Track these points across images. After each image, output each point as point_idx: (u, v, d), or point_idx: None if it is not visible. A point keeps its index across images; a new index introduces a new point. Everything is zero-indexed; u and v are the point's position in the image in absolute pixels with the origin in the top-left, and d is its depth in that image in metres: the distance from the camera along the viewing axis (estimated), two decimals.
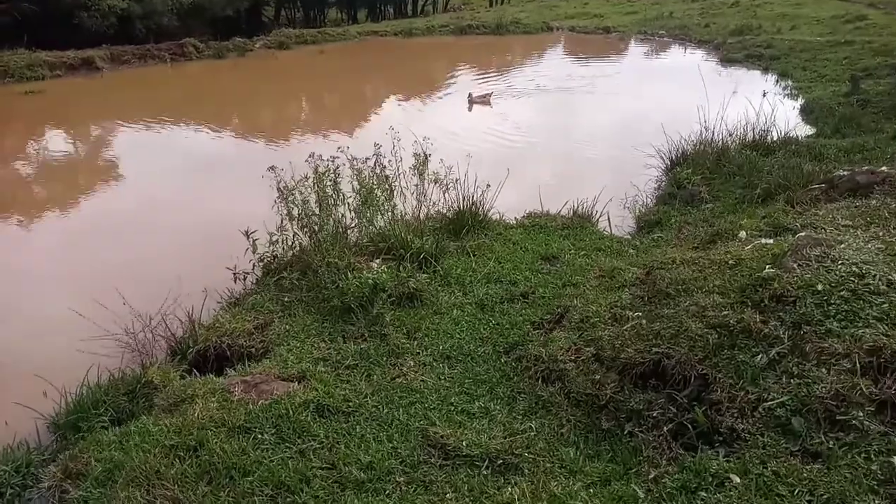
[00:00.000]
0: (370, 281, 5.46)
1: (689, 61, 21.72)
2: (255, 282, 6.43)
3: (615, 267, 5.53)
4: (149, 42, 21.61)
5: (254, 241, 6.23)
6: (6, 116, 14.55)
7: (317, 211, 6.58)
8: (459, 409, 4.26)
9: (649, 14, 30.10)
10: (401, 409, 4.28)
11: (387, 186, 7.50)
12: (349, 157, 7.20)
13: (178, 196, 9.87)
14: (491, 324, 5.37)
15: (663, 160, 9.93)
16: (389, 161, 7.61)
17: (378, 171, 7.42)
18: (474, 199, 7.65)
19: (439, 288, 6.01)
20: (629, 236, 8.00)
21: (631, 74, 20.20)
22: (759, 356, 3.55)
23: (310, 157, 6.65)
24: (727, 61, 20.68)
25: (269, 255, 6.44)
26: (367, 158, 7.21)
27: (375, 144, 7.54)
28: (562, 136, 12.95)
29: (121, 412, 4.75)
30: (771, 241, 4.77)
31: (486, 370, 4.69)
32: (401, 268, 5.89)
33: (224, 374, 4.97)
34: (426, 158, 7.75)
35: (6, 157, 11.91)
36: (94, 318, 5.66)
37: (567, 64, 21.75)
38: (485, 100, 15.25)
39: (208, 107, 15.23)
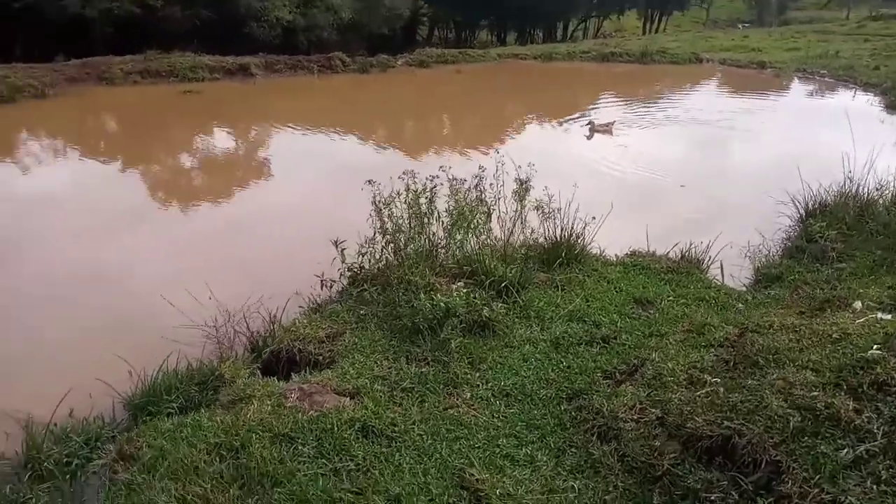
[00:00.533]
0: (442, 304, 5.34)
1: (845, 104, 19.87)
2: (340, 290, 6.52)
3: (706, 323, 5.02)
4: (310, 53, 22.96)
5: (342, 250, 6.31)
6: (167, 112, 16.05)
7: (406, 228, 6.56)
8: (504, 452, 4.02)
9: (813, 51, 27.85)
10: (444, 443, 4.11)
11: (484, 209, 7.40)
12: (449, 177, 7.17)
13: (304, 199, 10.28)
14: (561, 365, 5.06)
15: (798, 209, 9.04)
16: (492, 185, 7.51)
17: (477, 193, 7.35)
18: (573, 230, 7.34)
19: (517, 320, 5.78)
20: (743, 288, 7.33)
21: (783, 113, 18.75)
22: (845, 450, 3.04)
23: (404, 174, 6.66)
24: (893, 108, 18.66)
25: (356, 266, 6.50)
26: (464, 180, 7.13)
27: (480, 167, 7.48)
28: (686, 173, 12.18)
29: (190, 401, 4.94)
30: (889, 316, 4.12)
31: (543, 415, 4.40)
32: (477, 294, 5.71)
33: (289, 379, 5.05)
34: (528, 185, 7.57)
35: (157, 149, 13.08)
36: (187, 308, 6.01)
37: (714, 98, 20.59)
38: (607, 129, 14.63)
39: (346, 116, 15.91)
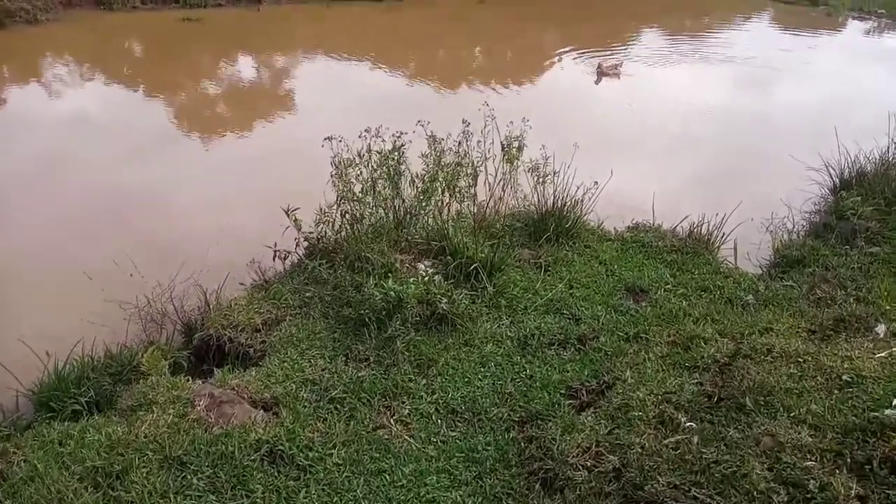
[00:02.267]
0: (393, 293, 4.61)
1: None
2: (296, 263, 5.82)
3: (696, 335, 4.21)
4: None
5: (295, 218, 5.57)
6: (159, 41, 15.18)
7: (366, 194, 5.78)
8: (430, 497, 3.36)
9: None
10: (363, 478, 3.47)
11: (470, 171, 6.57)
12: (428, 134, 6.31)
13: (297, 141, 9.46)
14: (523, 374, 4.34)
15: (831, 178, 7.98)
16: (479, 142, 6.65)
17: (461, 152, 6.50)
18: (567, 199, 6.48)
19: (484, 310, 5.04)
20: (759, 270, 6.45)
21: (829, 57, 17.10)
22: None
23: (365, 132, 5.81)
24: None
25: (314, 236, 5.76)
26: (445, 136, 6.26)
27: (464, 121, 6.59)
28: (713, 127, 11.01)
29: (102, 395, 4.38)
30: None
31: (487, 444, 3.71)
32: (436, 280, 4.96)
33: (214, 373, 4.44)
34: (521, 142, 6.68)
35: (149, 81, 12.31)
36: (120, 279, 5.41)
37: (758, 35, 18.88)
38: (615, 71, 13.26)
39: (348, 47, 14.87)
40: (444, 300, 4.74)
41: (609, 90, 12.82)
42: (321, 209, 5.64)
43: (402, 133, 5.95)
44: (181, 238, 6.67)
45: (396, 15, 19.02)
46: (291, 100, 11.91)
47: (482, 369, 4.39)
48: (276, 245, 5.68)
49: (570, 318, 5.02)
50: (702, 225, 6.51)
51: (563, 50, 15.36)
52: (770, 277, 6.07)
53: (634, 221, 6.96)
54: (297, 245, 5.74)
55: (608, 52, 15.13)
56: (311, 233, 5.70)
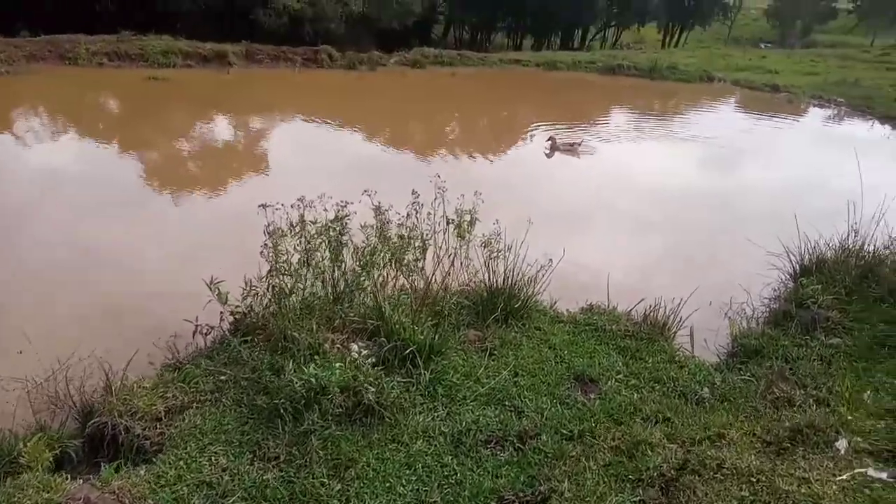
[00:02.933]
0: (313, 380, 4.14)
1: (858, 137, 18.57)
2: (218, 340, 5.33)
3: (642, 441, 3.80)
4: (317, 45, 21.96)
5: (219, 291, 5.11)
6: (117, 99, 14.92)
7: (298, 267, 5.37)
8: None
9: (831, 77, 26.51)
10: None
11: (419, 244, 6.23)
12: (373, 205, 5.99)
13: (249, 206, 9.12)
14: (451, 480, 3.85)
15: (791, 263, 7.80)
16: (430, 214, 6.35)
17: (410, 224, 6.18)
18: (518, 277, 6.14)
19: (419, 399, 4.58)
20: (717, 358, 6.12)
21: (788, 143, 17.48)
22: None
23: (299, 200, 5.46)
24: None
25: (241, 310, 5.30)
26: (387, 208, 5.95)
27: (413, 192, 6.30)
28: (667, 206, 10.90)
29: None
30: (884, 475, 2.91)
31: None
32: (365, 367, 4.50)
33: (105, 468, 3.88)
34: (473, 216, 6.41)
35: (83, 139, 11.94)
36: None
37: (718, 120, 19.30)
38: (572, 149, 12.96)
39: (319, 109, 14.75)
40: (372, 389, 4.28)
41: (571, 167, 12.75)
42: (249, 282, 5.20)
43: (346, 203, 5.62)
44: (104, 305, 6.16)
45: (368, 83, 19.14)
46: (257, 162, 11.59)
47: (408, 472, 3.90)
48: (197, 319, 5.22)
49: (512, 411, 4.58)
50: (658, 309, 6.20)
51: (535, 124, 15.45)
52: (727, 368, 5.73)
53: (589, 303, 6.64)
54: (222, 320, 5.27)
55: (577, 129, 15.27)
56: (237, 307, 5.25)
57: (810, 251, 7.67)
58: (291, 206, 5.35)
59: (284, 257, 5.35)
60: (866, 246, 7.54)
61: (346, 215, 5.56)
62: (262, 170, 11.03)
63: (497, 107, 18.06)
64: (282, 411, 4.12)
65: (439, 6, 43.64)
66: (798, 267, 7.72)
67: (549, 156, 13.02)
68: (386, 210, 5.91)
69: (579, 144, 13.20)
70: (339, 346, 4.96)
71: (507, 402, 4.67)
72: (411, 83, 19.79)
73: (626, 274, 7.61)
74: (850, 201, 7.71)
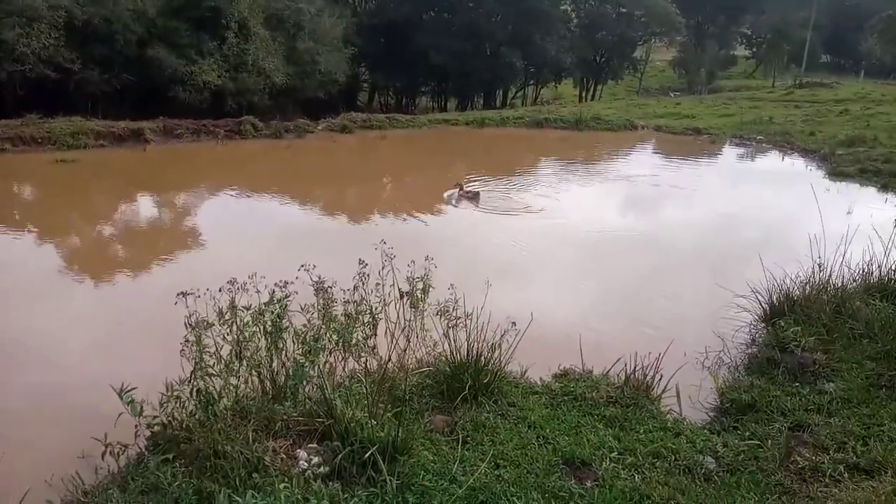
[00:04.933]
0: None
1: (790, 171, 19.18)
2: (135, 458, 4.38)
3: None
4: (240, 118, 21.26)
5: (131, 400, 4.20)
6: (30, 184, 13.71)
7: (234, 360, 4.55)
8: None
9: (746, 117, 27.65)
10: None
11: (368, 319, 5.52)
12: (313, 280, 5.25)
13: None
14: None
15: (760, 304, 7.43)
16: (378, 284, 5.67)
17: (356, 299, 5.49)
18: (483, 346, 5.46)
19: None
20: (707, 416, 5.57)
21: (721, 181, 17.84)
22: None
23: (229, 283, 4.69)
24: (836, 175, 17.96)
25: (160, 421, 4.38)
26: (330, 284, 5.23)
27: (361, 261, 5.63)
28: (613, 254, 10.57)
29: None
30: None
31: None
32: (318, 483, 3.68)
33: None
34: (426, 283, 5.80)
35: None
36: None
37: (651, 166, 19.54)
38: (473, 197, 12.69)
39: (248, 181, 13.92)
40: None
41: (512, 219, 12.30)
42: (169, 385, 4.32)
43: (285, 283, 4.86)
44: None
45: (297, 151, 18.52)
46: (182, 241, 10.58)
47: None
48: (106, 437, 4.26)
49: None
50: (637, 370, 5.61)
51: (470, 178, 15.09)
52: (724, 429, 5.16)
53: (562, 367, 6.02)
54: (137, 435, 4.34)
55: (513, 181, 15.04)
56: (154, 417, 4.34)
57: (778, 291, 7.33)
58: (220, 290, 4.56)
59: (212, 351, 4.52)
60: (833, 280, 7.28)
61: (286, 296, 4.80)
62: (189, 247, 10.10)
63: (431, 166, 17.69)
64: None
65: (363, 74, 44.11)
66: (768, 307, 7.36)
67: (456, 203, 12.66)
68: (330, 286, 5.18)
69: (478, 195, 12.88)
70: (282, 456, 4.10)
71: None
72: (341, 148, 19.30)
73: (592, 329, 7.08)
74: (812, 235, 7.49)
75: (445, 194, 13.35)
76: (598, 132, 24.57)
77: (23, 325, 6.85)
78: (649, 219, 13.05)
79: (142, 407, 4.26)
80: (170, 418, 4.37)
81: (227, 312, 4.56)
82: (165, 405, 4.30)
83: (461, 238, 10.98)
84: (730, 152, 22.10)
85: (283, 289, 4.91)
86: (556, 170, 17.71)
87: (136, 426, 4.32)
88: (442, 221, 12.30)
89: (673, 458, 4.49)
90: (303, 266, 5.25)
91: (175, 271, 8.98)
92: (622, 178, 16.85)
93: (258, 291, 4.88)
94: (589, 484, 4.17)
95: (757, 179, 18.05)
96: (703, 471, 4.35)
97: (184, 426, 4.29)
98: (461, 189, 12.89)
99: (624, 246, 10.86)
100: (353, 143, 20.15)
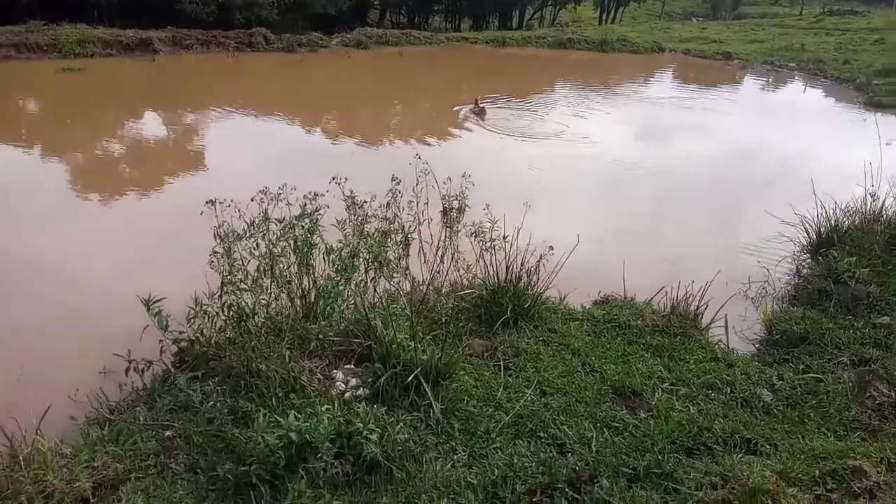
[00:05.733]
0: (293, 437, 3.05)
1: (823, 100, 18.37)
2: (160, 377, 4.16)
3: (759, 488, 2.85)
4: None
5: (158, 312, 3.95)
6: (36, 95, 13.15)
7: (264, 275, 4.25)
8: None
9: (776, 44, 26.43)
10: None
11: (400, 239, 5.18)
12: (346, 194, 4.89)
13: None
14: None
15: (807, 234, 7.06)
16: (411, 203, 5.29)
17: (389, 217, 5.13)
18: (522, 269, 5.14)
19: (430, 440, 3.54)
20: (756, 349, 5.30)
21: (755, 107, 17.11)
22: None
23: (261, 194, 4.34)
24: (873, 105, 17.18)
25: (187, 337, 4.14)
26: (370, 198, 4.88)
27: (394, 178, 5.23)
28: (641, 180, 10.09)
29: None
30: None
31: None
32: (362, 407, 3.44)
33: None
34: (462, 203, 5.42)
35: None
36: None
37: (679, 89, 18.74)
38: (479, 112, 12.44)
39: (261, 99, 13.32)
40: (374, 437, 3.21)
41: (536, 145, 11.76)
42: (197, 300, 4.04)
43: (315, 195, 4.51)
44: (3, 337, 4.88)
45: (311, 66, 17.76)
46: (195, 159, 10.06)
47: None
48: (130, 354, 4.04)
49: (550, 444, 3.59)
50: (688, 298, 5.31)
51: (504, 96, 14.48)
52: (776, 362, 4.90)
53: (603, 294, 5.72)
54: (163, 351, 4.11)
55: (544, 102, 14.42)
56: (181, 333, 4.09)
57: (828, 220, 6.94)
58: (252, 200, 4.22)
59: (240, 267, 4.22)
60: (886, 210, 6.88)
61: (318, 209, 4.45)
62: (202, 167, 9.62)
63: (452, 85, 16.95)
64: (255, 480, 3.01)
65: None
66: (815, 238, 6.99)
67: (465, 121, 12.40)
68: (364, 201, 4.83)
69: (482, 109, 12.64)
70: (319, 376, 3.87)
71: (541, 434, 3.68)
72: (357, 64, 18.47)
73: (632, 257, 6.73)
74: (867, 161, 7.03)
75: (455, 108, 13.01)
76: (623, 54, 23.56)
77: (39, 245, 6.54)
78: (686, 145, 12.48)
79: (167, 321, 4.03)
80: (198, 334, 4.13)
81: (256, 224, 4.22)
82: (193, 320, 4.04)
83: (486, 162, 10.52)
84: (761, 78, 21.17)
85: (314, 201, 4.56)
86: (583, 91, 16.97)
87: (161, 342, 4.10)
88: (463, 145, 11.80)
89: (728, 390, 4.24)
90: (334, 178, 4.87)
91: (190, 189, 8.54)
92: (653, 101, 16.17)
93: (289, 204, 4.53)
94: (643, 414, 3.93)
95: (792, 107, 17.35)
96: (760, 404, 4.10)
97: (212, 343, 4.04)
98: (476, 104, 12.62)
99: (660, 173, 10.38)
100: (370, 58, 19.33)
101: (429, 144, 11.26)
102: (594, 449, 3.53)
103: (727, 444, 3.53)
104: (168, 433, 3.45)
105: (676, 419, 3.82)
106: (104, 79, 14.32)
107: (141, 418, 3.60)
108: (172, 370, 4.08)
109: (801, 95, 19.23)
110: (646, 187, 9.69)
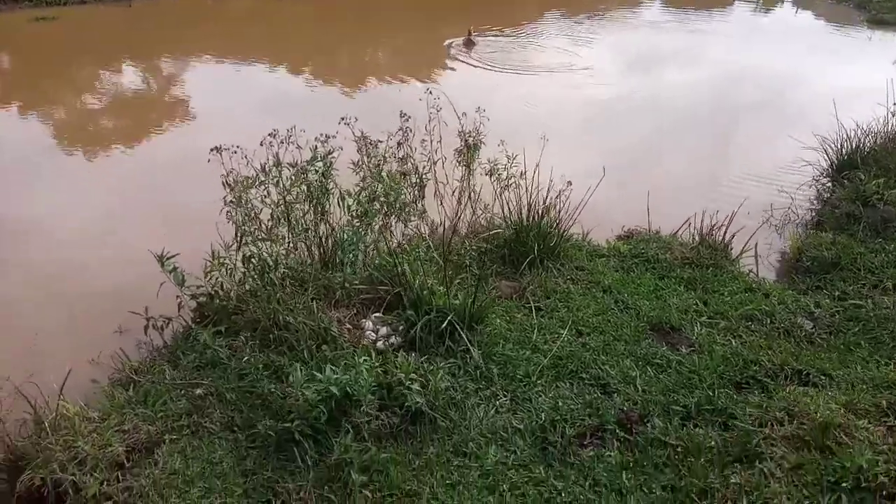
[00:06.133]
0: (334, 390, 2.90)
1: (820, 21, 17.79)
2: (181, 333, 3.99)
3: (829, 422, 2.73)
4: None
5: (173, 268, 3.75)
6: (9, 45, 12.49)
7: (279, 224, 4.04)
8: None
9: None
10: None
11: (414, 179, 4.96)
12: (357, 135, 4.63)
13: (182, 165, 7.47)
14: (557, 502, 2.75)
15: (827, 156, 6.85)
16: (423, 141, 5.06)
17: (401, 156, 4.89)
18: (545, 205, 4.94)
19: (470, 386, 3.42)
20: (785, 277, 5.17)
21: (758, 28, 16.63)
22: None
23: (271, 136, 4.08)
24: (876, 23, 16.69)
25: (205, 291, 3.95)
26: (379, 141, 4.62)
27: (402, 115, 4.96)
28: (645, 108, 9.78)
29: None
30: None
31: None
32: (400, 355, 3.28)
33: None
34: (477, 139, 5.19)
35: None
36: None
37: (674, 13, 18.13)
38: (468, 44, 12.30)
39: (242, 44, 12.76)
40: (416, 386, 3.07)
41: (533, 82, 11.29)
42: (214, 252, 3.84)
43: (327, 136, 4.25)
44: (16, 298, 4.68)
45: (297, 6, 17.00)
46: (182, 108, 9.62)
47: (491, 499, 2.76)
48: (147, 311, 3.85)
49: (593, 385, 3.48)
50: (717, 228, 5.14)
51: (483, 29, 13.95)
52: (809, 289, 4.77)
53: (626, 229, 5.55)
54: (181, 307, 3.92)
55: (514, 34, 13.91)
56: (199, 287, 3.91)
57: (850, 142, 6.73)
58: (261, 145, 3.96)
59: (252, 215, 4.00)
60: None
61: (331, 151, 4.20)
62: (191, 117, 9.10)
63: (445, 17, 16.27)
64: (297, 437, 2.87)
65: None
66: (836, 160, 6.79)
67: (462, 48, 12.19)
68: (378, 141, 4.57)
69: (470, 41, 12.41)
70: (348, 326, 3.71)
71: (582, 375, 3.56)
72: (345, 3, 17.70)
73: (653, 188, 6.52)
74: (889, 79, 6.78)
75: (445, 43, 12.64)
76: None
77: (31, 205, 6.25)
78: (681, 73, 12.07)
79: (183, 276, 3.83)
80: (216, 288, 3.95)
81: (269, 169, 3.98)
82: (211, 274, 3.85)
83: (484, 100, 10.14)
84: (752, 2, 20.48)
85: (325, 144, 4.31)
86: (580, 19, 16.35)
87: (178, 298, 3.91)
88: (459, 83, 11.38)
89: (768, 320, 4.12)
90: (342, 119, 4.59)
91: (188, 140, 8.16)
92: (651, 25, 15.67)
93: (298, 147, 4.27)
94: (684, 350, 3.80)
95: (793, 28, 16.85)
96: (803, 333, 3.99)
97: (232, 296, 3.86)
98: (468, 34, 12.38)
99: (663, 102, 10.06)
100: None
101: (425, 82, 10.82)
102: (639, 388, 3.42)
103: (777, 376, 3.41)
104: (199, 391, 3.30)
105: (720, 353, 3.70)
106: (79, 28, 13.61)
107: (167, 377, 3.44)
108: (193, 326, 3.91)
109: (795, 17, 18.65)
110: (652, 118, 9.37)
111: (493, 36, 13.55)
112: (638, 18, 17.22)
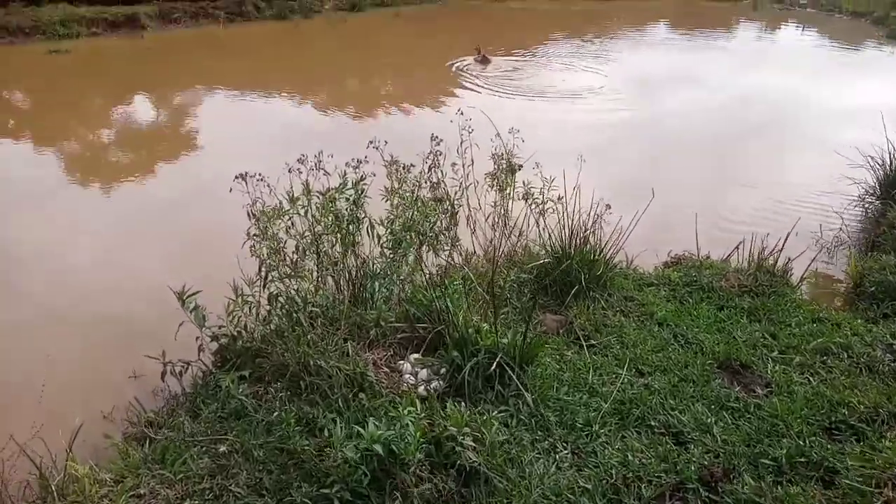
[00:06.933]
0: (378, 448, 2.52)
1: (837, 39, 17.55)
2: (201, 379, 3.63)
3: None
4: None
5: (195, 306, 3.41)
6: (24, 78, 12.34)
7: (305, 257, 3.70)
8: None
9: None
10: None
11: (447, 206, 4.62)
12: (386, 160, 4.31)
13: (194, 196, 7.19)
14: None
15: (876, 176, 6.48)
16: (454, 165, 4.73)
17: (434, 182, 4.56)
18: (584, 235, 4.58)
19: (526, 436, 3.04)
20: (848, 304, 4.78)
21: (779, 47, 16.39)
22: None
23: (299, 161, 3.77)
24: (894, 38, 16.48)
25: (228, 332, 3.60)
26: (411, 165, 4.31)
27: (434, 137, 4.64)
28: (690, 133, 9.52)
29: None
30: None
31: None
32: (449, 405, 2.91)
33: None
34: (513, 163, 4.88)
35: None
36: None
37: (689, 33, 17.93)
38: (483, 61, 12.85)
39: (256, 74, 12.59)
40: (469, 441, 2.70)
41: (555, 104, 11.06)
42: (237, 290, 3.50)
43: (358, 161, 3.94)
44: (23, 341, 4.36)
45: (305, 33, 16.94)
46: (195, 141, 9.30)
47: None
48: (164, 356, 3.51)
49: (664, 435, 3.08)
50: (775, 253, 4.77)
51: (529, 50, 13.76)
52: (880, 318, 4.37)
53: (673, 254, 5.19)
54: (201, 350, 3.57)
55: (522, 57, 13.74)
56: (221, 328, 3.56)
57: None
58: (290, 171, 3.65)
59: (277, 248, 3.66)
60: None
61: (363, 177, 3.88)
62: (203, 149, 8.82)
63: (455, 48, 16.12)
64: (336, 498, 2.50)
65: None
66: (883, 178, 6.42)
67: (477, 64, 12.76)
68: (411, 165, 4.26)
69: (485, 58, 13.01)
70: (385, 370, 3.34)
71: (650, 422, 3.17)
72: (353, 29, 17.65)
73: (694, 212, 6.17)
74: None
75: (448, 63, 12.94)
76: (628, 0, 22.64)
77: (39, 237, 5.96)
78: (693, 96, 11.77)
79: (205, 316, 3.49)
80: (240, 328, 3.60)
81: (296, 198, 3.65)
82: (233, 313, 3.51)
83: (508, 123, 9.86)
84: (776, 17, 20.29)
85: (358, 168, 3.99)
86: (604, 42, 16.16)
87: (197, 339, 3.57)
88: (476, 108, 11.11)
89: (845, 354, 3.72)
90: (371, 143, 4.29)
91: (205, 171, 7.87)
92: (670, 44, 15.48)
93: (326, 174, 3.95)
94: (760, 391, 3.41)
95: (816, 46, 16.61)
96: (887, 368, 3.59)
97: (256, 337, 3.51)
98: (479, 53, 12.91)
99: (700, 119, 9.81)
100: (366, 22, 18.49)
101: (440, 111, 10.53)
102: (718, 437, 3.03)
103: (874, 421, 3.02)
104: (222, 448, 2.93)
105: (802, 394, 3.31)
106: (92, 61, 13.51)
107: (187, 430, 3.08)
108: (214, 370, 3.57)
109: (809, 34, 18.42)
110: (680, 139, 9.09)
111: (502, 57, 13.43)
112: (663, 34, 17.04)
